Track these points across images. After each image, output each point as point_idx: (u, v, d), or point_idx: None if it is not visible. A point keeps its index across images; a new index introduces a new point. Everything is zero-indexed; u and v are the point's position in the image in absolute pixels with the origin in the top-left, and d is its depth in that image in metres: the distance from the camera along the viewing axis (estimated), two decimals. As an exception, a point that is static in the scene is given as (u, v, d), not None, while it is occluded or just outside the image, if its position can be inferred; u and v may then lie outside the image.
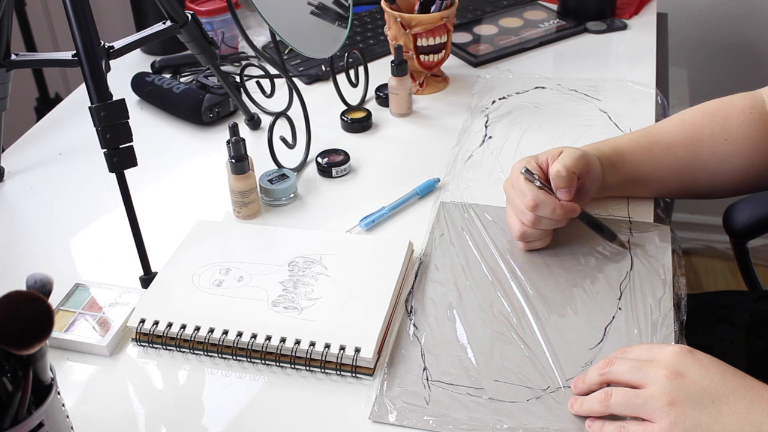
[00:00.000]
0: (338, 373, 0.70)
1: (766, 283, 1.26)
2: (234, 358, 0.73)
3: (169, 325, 0.74)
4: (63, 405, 0.57)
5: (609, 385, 0.64)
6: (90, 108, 0.77)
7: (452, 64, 1.22)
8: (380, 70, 1.18)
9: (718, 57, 1.75)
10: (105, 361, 0.74)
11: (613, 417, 0.63)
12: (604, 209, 0.88)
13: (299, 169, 0.99)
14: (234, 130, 0.86)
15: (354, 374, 0.70)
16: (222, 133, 1.09)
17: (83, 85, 0.96)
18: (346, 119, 1.07)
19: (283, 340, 0.71)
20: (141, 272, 0.81)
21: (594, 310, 0.75)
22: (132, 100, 1.17)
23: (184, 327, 0.73)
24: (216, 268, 0.80)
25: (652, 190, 0.88)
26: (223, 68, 1.11)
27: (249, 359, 0.72)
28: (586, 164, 0.80)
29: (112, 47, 0.84)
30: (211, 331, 0.73)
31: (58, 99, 1.86)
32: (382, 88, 1.13)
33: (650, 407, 0.60)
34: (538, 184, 0.78)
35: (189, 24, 0.94)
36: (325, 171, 0.98)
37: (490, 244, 0.84)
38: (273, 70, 1.16)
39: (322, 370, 0.71)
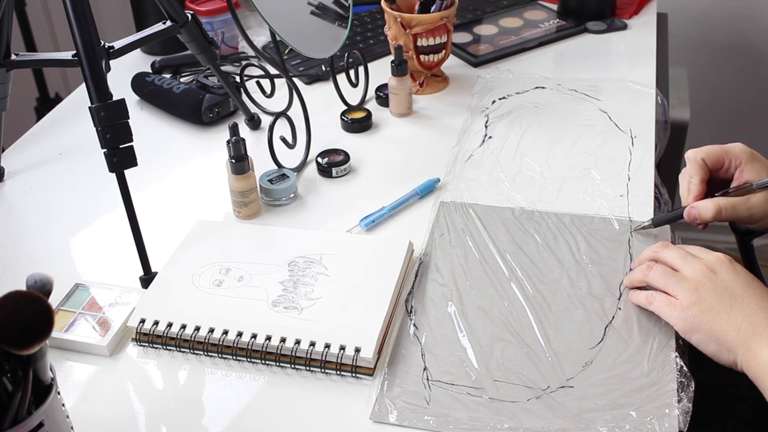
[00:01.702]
0: (338, 373, 0.70)
1: None
2: (234, 358, 0.73)
3: (169, 325, 0.74)
4: (63, 405, 0.57)
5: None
6: (90, 108, 0.77)
7: (452, 64, 1.22)
8: (380, 70, 1.18)
9: (718, 57, 1.75)
10: (105, 361, 0.74)
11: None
12: (604, 209, 0.88)
13: (299, 169, 0.99)
14: (234, 130, 0.86)
15: (354, 374, 0.70)
16: (222, 133, 1.09)
17: (83, 85, 0.96)
18: (346, 119, 1.07)
19: (283, 340, 0.71)
20: (141, 272, 0.81)
21: (594, 310, 0.75)
22: (132, 100, 1.17)
23: (184, 327, 0.73)
24: (216, 268, 0.80)
25: None
26: (223, 68, 1.11)
27: (249, 359, 0.72)
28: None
29: (112, 47, 0.84)
30: (211, 331, 0.73)
31: (58, 99, 1.86)
32: (382, 88, 1.13)
33: (679, 286, 0.71)
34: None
35: (189, 24, 0.94)
36: (325, 171, 0.98)
37: (490, 244, 0.84)
38: (273, 70, 1.16)
39: (322, 370, 0.71)
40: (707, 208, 0.77)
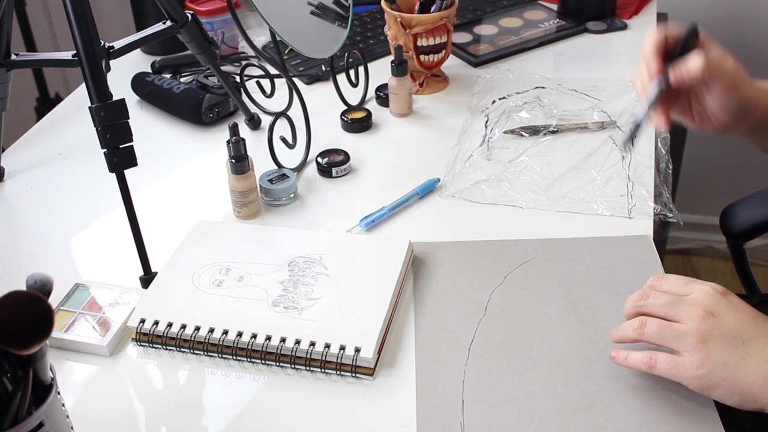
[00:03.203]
0: (338, 373, 0.70)
1: (765, 284, 1.26)
2: (234, 358, 0.73)
3: (169, 325, 0.74)
4: (63, 405, 0.57)
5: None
6: (90, 108, 0.77)
7: (452, 64, 1.22)
8: (380, 70, 1.18)
9: (718, 57, 1.74)
10: (105, 361, 0.74)
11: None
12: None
13: (299, 169, 0.99)
14: (234, 130, 0.86)
15: (354, 374, 0.70)
16: (222, 133, 1.09)
17: (83, 85, 0.96)
18: (346, 119, 1.07)
19: (283, 340, 0.71)
20: (141, 272, 0.81)
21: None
22: (132, 100, 1.17)
23: (184, 327, 0.73)
24: (216, 268, 0.80)
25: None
26: (223, 68, 1.11)
27: (249, 359, 0.72)
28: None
29: (112, 47, 0.84)
30: (211, 331, 0.73)
31: (58, 99, 1.86)
32: (382, 88, 1.13)
33: (684, 342, 0.62)
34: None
35: (189, 24, 0.94)
36: (325, 171, 0.98)
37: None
38: (273, 70, 1.16)
39: (322, 370, 0.71)
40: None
